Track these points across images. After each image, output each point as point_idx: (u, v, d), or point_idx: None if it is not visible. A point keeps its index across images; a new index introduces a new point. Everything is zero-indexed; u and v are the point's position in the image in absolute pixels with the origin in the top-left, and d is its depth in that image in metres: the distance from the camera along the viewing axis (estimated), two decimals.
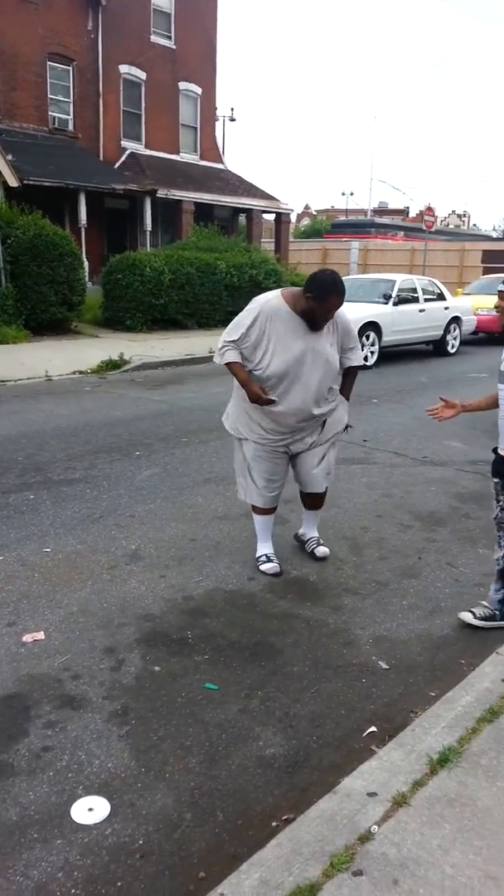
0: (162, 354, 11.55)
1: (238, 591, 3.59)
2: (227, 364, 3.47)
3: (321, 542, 4.07)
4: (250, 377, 3.47)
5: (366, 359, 11.35)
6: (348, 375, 3.78)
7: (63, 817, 2.14)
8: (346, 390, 3.80)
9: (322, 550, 4.01)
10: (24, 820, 2.13)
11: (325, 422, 3.72)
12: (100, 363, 10.37)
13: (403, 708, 2.73)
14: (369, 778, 2.20)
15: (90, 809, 2.17)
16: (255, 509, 3.81)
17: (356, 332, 3.79)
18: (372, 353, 11.41)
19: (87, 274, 15.89)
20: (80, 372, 10.05)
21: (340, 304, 3.38)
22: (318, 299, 3.32)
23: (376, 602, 3.53)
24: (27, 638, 3.05)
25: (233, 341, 3.44)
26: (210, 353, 12.18)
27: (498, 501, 3.12)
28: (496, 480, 3.12)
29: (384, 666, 2.98)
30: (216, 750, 2.46)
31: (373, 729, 2.59)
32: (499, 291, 3.09)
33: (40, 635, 3.08)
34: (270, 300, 3.46)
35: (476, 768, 2.23)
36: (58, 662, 2.89)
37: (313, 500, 3.95)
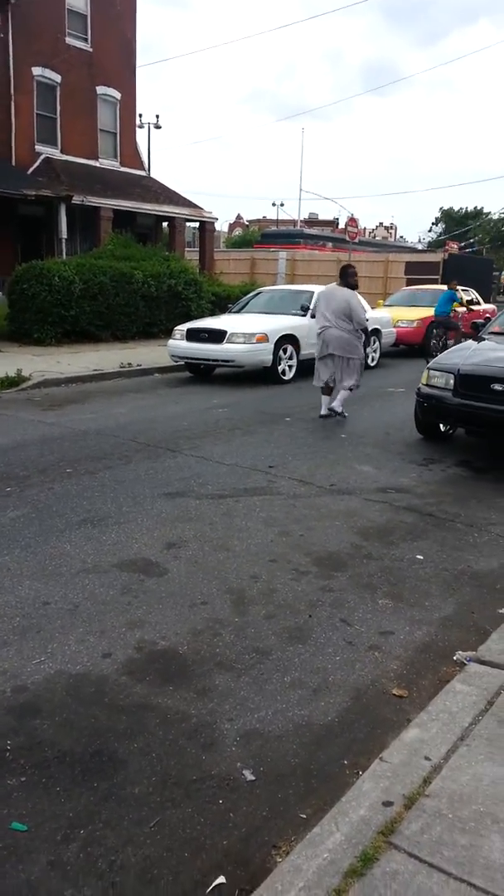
0: (67, 370, 10.76)
1: (86, 674, 2.95)
2: None
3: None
4: None
5: (283, 373, 10.89)
6: None
7: None
8: None
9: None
10: None
11: None
12: None
13: (265, 841, 2.15)
14: None
15: None
16: None
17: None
18: (290, 367, 10.96)
19: None
20: None
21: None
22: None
23: (253, 680, 2.96)
24: None
25: None
26: (121, 367, 11.47)
27: None
28: None
29: (249, 777, 2.40)
30: None
31: (221, 880, 2.00)
32: None
33: None
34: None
35: None
36: None
37: None
